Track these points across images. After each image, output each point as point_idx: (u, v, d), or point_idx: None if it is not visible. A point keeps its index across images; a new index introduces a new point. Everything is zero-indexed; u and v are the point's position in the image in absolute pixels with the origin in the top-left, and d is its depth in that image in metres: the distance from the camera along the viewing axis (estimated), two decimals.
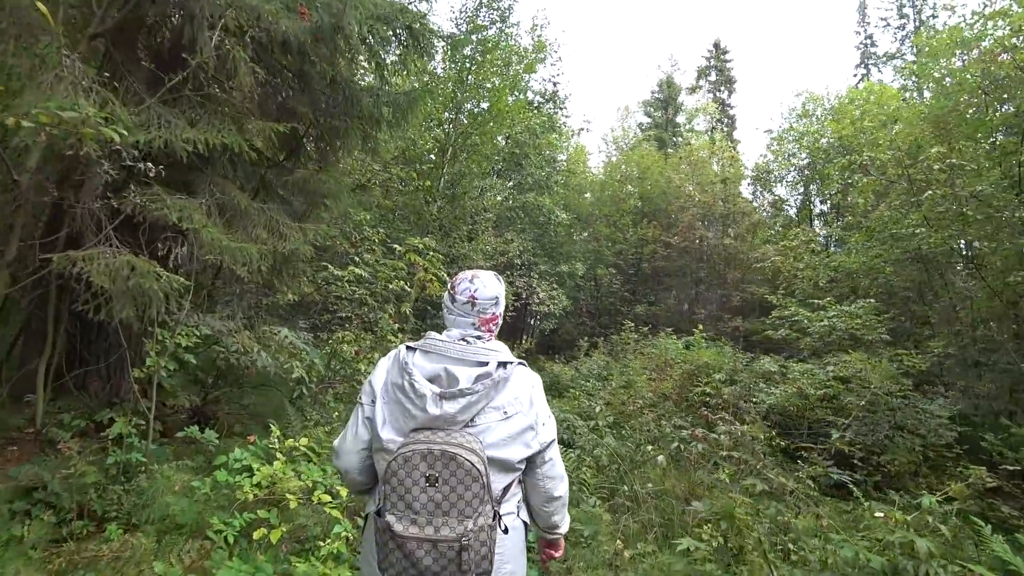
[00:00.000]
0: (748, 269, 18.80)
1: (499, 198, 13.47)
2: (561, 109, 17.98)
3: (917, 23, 25.42)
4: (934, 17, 23.63)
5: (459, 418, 1.41)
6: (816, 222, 19.85)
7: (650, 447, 4.81)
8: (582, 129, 18.77)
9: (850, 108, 18.17)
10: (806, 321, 9.45)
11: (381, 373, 1.56)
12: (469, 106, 12.32)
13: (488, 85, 12.14)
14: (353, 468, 1.57)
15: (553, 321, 17.45)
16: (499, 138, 13.67)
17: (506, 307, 1.82)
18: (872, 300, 9.46)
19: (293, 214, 5.52)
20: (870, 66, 28.41)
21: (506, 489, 1.51)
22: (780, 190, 21.55)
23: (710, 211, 19.12)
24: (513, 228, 16.49)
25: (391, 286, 5.78)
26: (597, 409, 6.02)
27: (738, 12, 57.77)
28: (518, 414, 1.49)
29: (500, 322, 1.73)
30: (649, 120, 32.32)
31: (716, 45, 34.52)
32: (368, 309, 5.72)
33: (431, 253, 5.93)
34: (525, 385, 1.55)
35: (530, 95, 17.83)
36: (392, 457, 1.36)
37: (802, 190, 19.55)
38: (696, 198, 18.82)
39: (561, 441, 5.73)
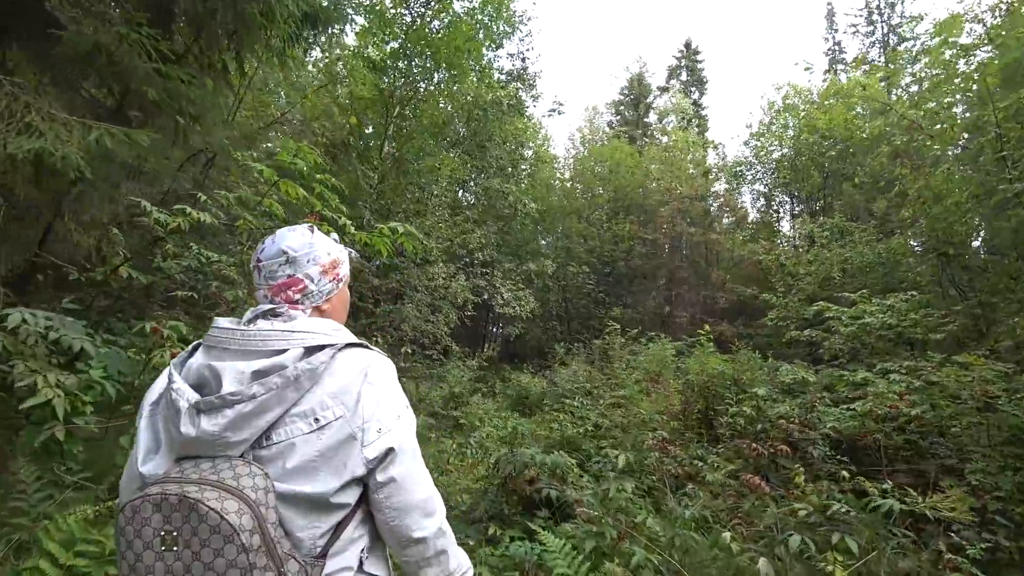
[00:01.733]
0: (734, 267, 17.17)
1: (453, 175, 11.22)
2: (531, 88, 15.98)
3: (886, 30, 25.32)
4: (901, 25, 23.52)
5: (232, 438, 0.94)
6: (793, 220, 18.54)
7: (727, 534, 2.64)
8: (553, 111, 16.64)
9: (838, 103, 16.98)
10: (844, 319, 7.56)
11: (161, 381, 1.09)
12: (419, 61, 10.14)
13: (440, 28, 9.88)
14: None
15: (519, 326, 15.32)
16: (453, 108, 11.55)
17: (336, 273, 1.24)
18: (915, 293, 7.70)
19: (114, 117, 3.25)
20: (839, 71, 28.04)
21: (333, 536, 1.03)
22: (755, 188, 20.21)
23: (691, 205, 17.42)
24: (474, 218, 14.33)
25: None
26: (618, 459, 3.80)
27: (706, 19, 57.48)
28: (338, 420, 1.01)
29: (316, 289, 1.19)
30: (618, 119, 30.93)
31: (687, 45, 33.66)
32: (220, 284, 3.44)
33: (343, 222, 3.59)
34: (353, 376, 1.05)
35: (495, 74, 15.82)
36: (120, 507, 0.92)
37: (786, 184, 18.01)
38: (678, 190, 17.06)
39: (551, 504, 3.76)
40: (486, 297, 14.23)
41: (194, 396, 0.97)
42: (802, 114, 18.23)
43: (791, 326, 11.74)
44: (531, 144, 18.67)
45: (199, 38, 4.06)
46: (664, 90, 32.79)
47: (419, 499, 1.11)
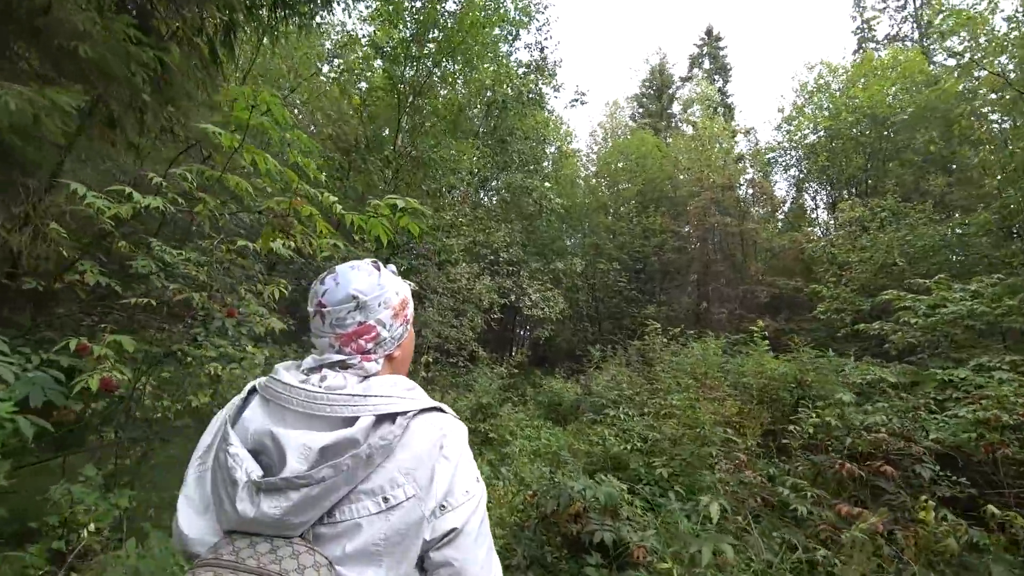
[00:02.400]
0: (772, 258, 16.17)
1: (472, 168, 10.50)
2: (551, 77, 15.20)
3: (919, 3, 23.86)
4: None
5: (294, 520, 0.83)
6: (833, 206, 17.36)
7: None
8: (576, 101, 15.81)
9: (876, 79, 15.90)
10: (923, 308, 6.65)
11: (214, 426, 0.99)
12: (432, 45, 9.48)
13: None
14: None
15: (548, 328, 14.60)
16: (469, 92, 10.89)
17: (404, 314, 1.13)
18: (1001, 276, 6.78)
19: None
20: (868, 50, 26.70)
21: None
22: (790, 175, 19.08)
23: (723, 195, 16.46)
24: (496, 214, 13.68)
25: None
26: (710, 507, 2.99)
27: (726, 4, 55.73)
28: (410, 500, 0.89)
29: (388, 336, 1.07)
30: (641, 111, 30.00)
31: (708, 32, 32.55)
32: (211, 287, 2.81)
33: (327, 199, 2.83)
34: (426, 448, 0.93)
35: (514, 67, 15.14)
36: None
37: (824, 168, 16.86)
38: (710, 179, 16.12)
39: (604, 548, 2.96)
40: (513, 299, 13.58)
41: (255, 469, 0.86)
42: (837, 92, 17.20)
43: (846, 319, 10.81)
44: (553, 140, 17.95)
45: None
46: (687, 80, 31.73)
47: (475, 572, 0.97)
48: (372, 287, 1.07)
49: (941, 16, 10.80)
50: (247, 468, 0.86)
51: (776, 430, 5.71)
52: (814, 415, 4.81)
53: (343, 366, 1.01)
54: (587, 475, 4.87)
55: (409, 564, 0.90)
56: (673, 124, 28.99)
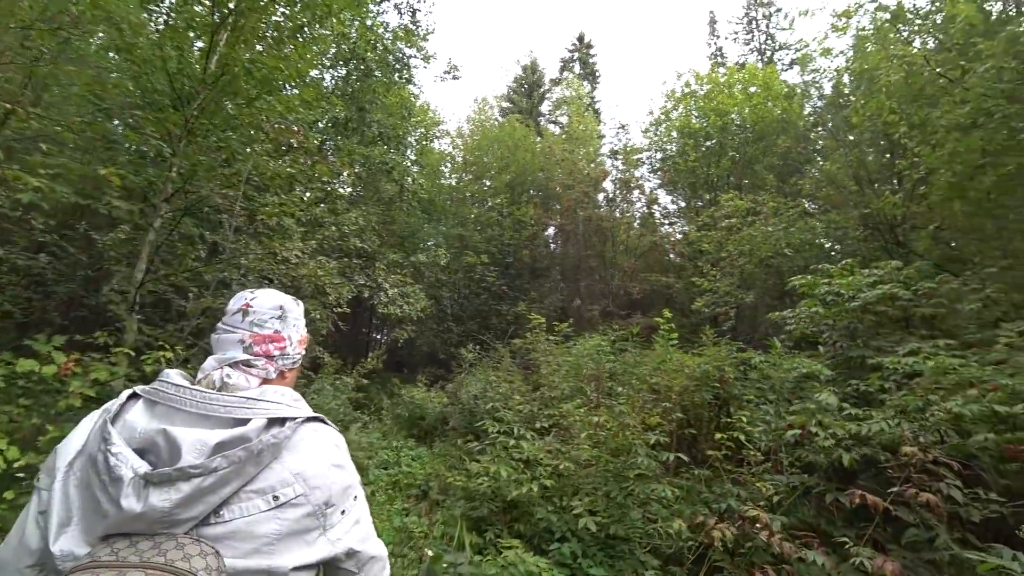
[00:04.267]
0: (643, 255, 15.75)
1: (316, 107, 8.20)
2: (423, 44, 13.29)
3: (764, 37, 26.38)
4: (780, 29, 25.10)
5: (181, 515, 0.85)
6: (701, 205, 17.66)
7: None
8: (448, 73, 14.01)
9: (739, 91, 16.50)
10: (846, 293, 5.87)
11: (78, 436, 0.96)
12: None
13: None
14: None
15: (408, 328, 12.69)
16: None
17: (303, 348, 1.24)
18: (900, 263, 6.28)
19: None
20: (731, 66, 28.84)
21: None
22: (659, 174, 19.17)
23: (597, 188, 15.78)
24: (352, 196, 11.51)
25: None
26: None
27: (596, 18, 57.52)
28: (299, 498, 0.95)
29: (292, 355, 1.19)
30: (511, 105, 29.15)
31: (580, 38, 33.04)
32: None
33: None
34: (313, 452, 1.01)
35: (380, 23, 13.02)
36: None
37: (691, 168, 16.93)
38: (585, 171, 15.31)
39: None
40: (367, 295, 11.50)
41: (141, 465, 0.86)
42: (705, 98, 17.50)
43: (730, 312, 10.36)
44: (418, 124, 16.03)
45: None
46: (557, 82, 31.72)
47: (376, 556, 1.10)
48: (294, 310, 1.22)
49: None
50: (133, 465, 0.85)
51: (697, 441, 4.46)
52: (786, 420, 3.55)
53: (248, 365, 1.09)
54: (472, 532, 3.21)
55: (296, 560, 0.92)
56: (542, 125, 28.60)
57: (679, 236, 15.26)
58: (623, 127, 17.58)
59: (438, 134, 17.35)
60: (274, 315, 1.16)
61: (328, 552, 0.97)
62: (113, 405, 0.96)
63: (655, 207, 17.69)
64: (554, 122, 28.95)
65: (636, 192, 16.53)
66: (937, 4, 8.26)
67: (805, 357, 5.44)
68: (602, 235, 15.66)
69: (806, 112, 16.16)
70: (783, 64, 22.03)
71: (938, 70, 6.98)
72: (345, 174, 10.35)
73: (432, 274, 13.54)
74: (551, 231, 18.27)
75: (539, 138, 19.34)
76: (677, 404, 4.65)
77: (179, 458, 0.86)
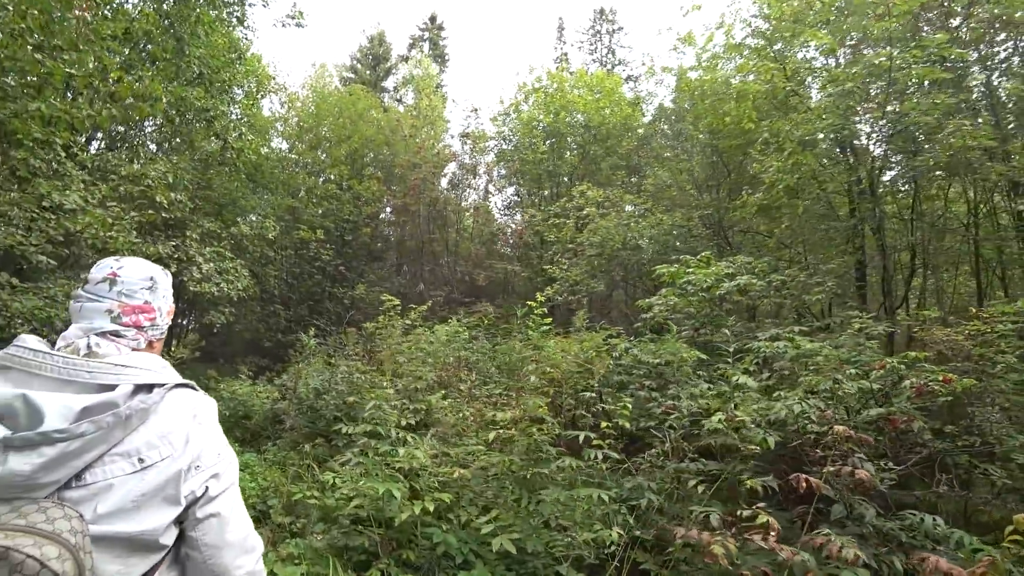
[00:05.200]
0: (487, 241, 15.51)
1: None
2: None
3: (606, 49, 28.24)
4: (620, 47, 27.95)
5: (43, 479, 0.84)
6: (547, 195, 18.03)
7: None
8: (293, 19, 12.08)
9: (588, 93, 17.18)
10: (709, 281, 6.00)
11: None
12: None
13: None
14: None
15: (227, 311, 10.87)
16: None
17: (169, 318, 1.23)
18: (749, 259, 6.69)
19: None
20: (581, 67, 30.34)
21: None
22: (510, 162, 19.21)
23: (445, 169, 15.13)
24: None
25: None
26: None
27: (449, 3, 55.93)
28: (165, 460, 0.94)
29: (161, 325, 1.17)
30: (354, 76, 27.05)
31: (432, 18, 32.11)
32: None
33: None
34: (182, 417, 1.01)
35: None
36: None
37: (542, 160, 17.14)
38: (434, 149, 14.54)
39: None
40: (174, 270, 9.52)
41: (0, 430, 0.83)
42: (556, 96, 17.84)
43: (583, 300, 10.42)
44: (248, 77, 13.77)
45: None
46: (405, 59, 30.31)
47: (237, 537, 1.06)
48: (164, 281, 1.20)
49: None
50: None
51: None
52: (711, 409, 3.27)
53: (116, 336, 1.06)
54: (350, 571, 2.44)
55: (165, 519, 0.93)
56: (386, 101, 27.05)
57: (522, 225, 15.24)
58: (475, 110, 16.95)
59: (272, 88, 15.17)
60: (144, 286, 1.14)
61: (185, 501, 0.96)
62: None
63: (498, 195, 17.61)
64: (399, 100, 27.65)
65: (483, 178, 16.20)
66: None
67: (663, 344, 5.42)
68: (443, 220, 15.07)
69: (647, 120, 17.37)
70: (622, 76, 23.82)
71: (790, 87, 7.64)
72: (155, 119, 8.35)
73: (257, 249, 11.75)
74: (388, 212, 17.16)
75: (385, 111, 18.07)
76: (566, 393, 4.25)
77: (41, 423, 0.85)
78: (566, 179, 16.92)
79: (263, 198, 13.65)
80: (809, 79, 9.24)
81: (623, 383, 5.29)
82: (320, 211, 13.74)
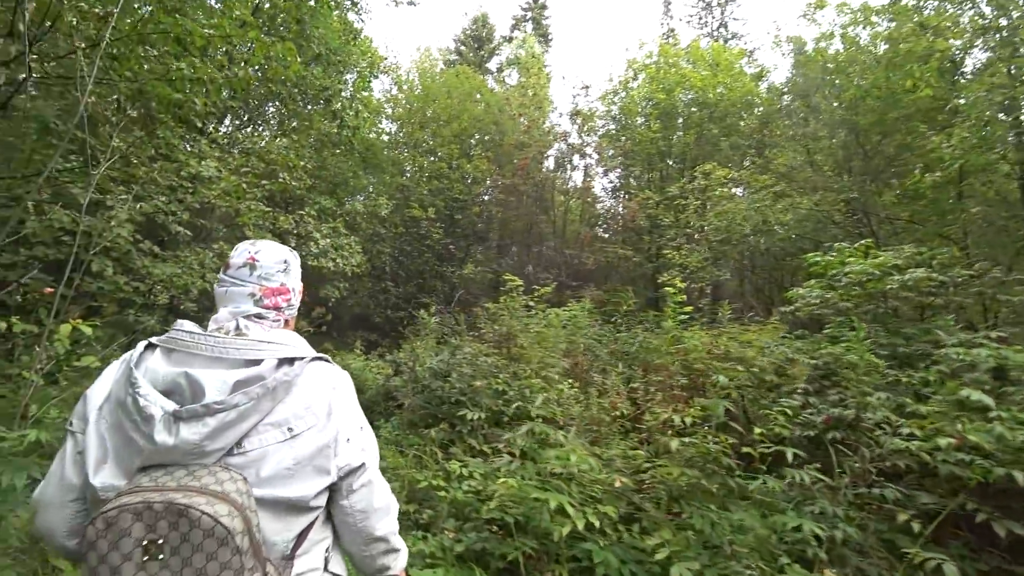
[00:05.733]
0: (597, 223, 14.85)
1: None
2: None
3: (717, 23, 26.06)
4: (733, 20, 25.45)
5: (209, 447, 0.93)
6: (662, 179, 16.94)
7: None
8: None
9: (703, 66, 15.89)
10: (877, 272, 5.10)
11: (103, 384, 1.05)
12: None
13: None
14: (60, 530, 1.03)
15: (341, 286, 11.09)
16: None
17: (300, 297, 1.31)
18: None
19: None
20: (694, 41, 28.37)
21: (301, 537, 1.05)
22: (619, 144, 18.27)
23: (555, 148, 14.59)
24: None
25: None
26: None
27: None
28: (311, 429, 1.03)
29: (295, 304, 1.27)
30: (458, 58, 27.14)
31: None
32: None
33: None
34: (322, 388, 1.09)
35: None
36: (91, 520, 0.85)
37: (653, 140, 16.09)
38: (543, 127, 14.04)
39: None
40: (293, 245, 9.77)
41: (169, 404, 0.94)
42: (670, 72, 16.73)
43: (706, 289, 9.62)
44: (358, 61, 13.99)
45: None
46: (508, 40, 30.00)
47: (382, 503, 1.17)
48: (294, 263, 1.28)
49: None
50: (161, 404, 0.93)
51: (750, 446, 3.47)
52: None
53: (259, 317, 1.16)
54: None
55: (317, 486, 1.02)
56: (489, 83, 26.92)
57: (633, 208, 14.41)
58: (586, 87, 16.25)
59: (384, 69, 15.33)
60: (279, 268, 1.21)
61: (337, 474, 1.06)
62: (132, 355, 1.03)
63: (604, 177, 16.80)
64: (501, 82, 27.43)
65: (590, 158, 15.49)
66: None
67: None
68: (549, 201, 14.55)
69: (770, 95, 15.84)
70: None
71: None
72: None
73: (370, 226, 11.89)
74: (490, 191, 16.90)
75: (494, 88, 17.79)
76: (750, 397, 3.65)
77: (203, 396, 0.95)
78: (674, 162, 15.85)
79: (374, 177, 13.86)
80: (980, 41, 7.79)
81: (773, 385, 4.57)
82: (428, 190, 13.70)
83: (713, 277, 9.52)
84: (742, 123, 14.98)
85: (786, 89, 15.53)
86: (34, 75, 3.33)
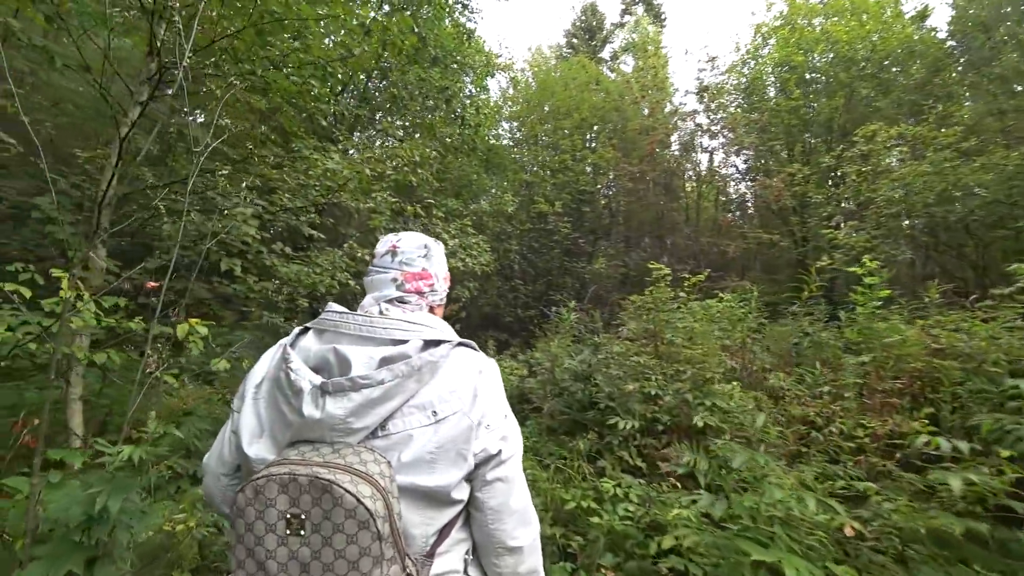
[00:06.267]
0: (733, 208, 13.51)
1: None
2: None
3: None
4: None
5: (355, 424, 0.93)
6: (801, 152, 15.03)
7: None
8: None
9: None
10: None
11: (262, 366, 1.12)
12: None
13: None
14: (219, 497, 1.11)
15: (471, 286, 11.04)
16: None
17: (447, 285, 1.30)
18: None
19: None
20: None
21: (442, 535, 1.00)
22: (751, 117, 16.53)
23: (673, 129, 13.48)
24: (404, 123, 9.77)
25: None
26: None
27: None
28: (455, 414, 0.99)
29: (439, 290, 1.26)
30: (571, 52, 26.61)
31: None
32: None
33: None
34: (468, 372, 1.05)
35: None
36: (241, 487, 0.86)
37: (794, 110, 14.31)
38: (667, 107, 13.05)
39: None
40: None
41: (317, 378, 0.95)
42: (809, 29, 14.82)
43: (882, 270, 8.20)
44: (473, 62, 13.98)
45: None
46: (620, 26, 28.95)
47: (520, 506, 1.08)
48: (436, 248, 1.28)
49: None
50: (310, 378, 0.94)
51: None
52: None
53: (401, 301, 1.17)
54: None
55: (458, 474, 0.97)
56: (603, 72, 26.08)
57: (778, 186, 12.89)
58: (712, 60, 14.81)
59: (500, 66, 15.20)
60: (420, 254, 1.22)
61: (474, 460, 0.99)
62: (288, 339, 1.08)
63: (738, 156, 15.25)
64: (616, 70, 26.42)
65: (722, 137, 14.12)
66: None
67: None
68: (675, 189, 13.44)
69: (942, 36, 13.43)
70: None
71: None
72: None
73: (497, 224, 11.74)
74: (612, 180, 16.07)
75: (612, 75, 17.03)
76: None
77: (349, 371, 0.96)
78: (817, 132, 13.96)
79: (499, 178, 13.75)
80: None
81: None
82: (553, 183, 13.29)
83: (888, 257, 8.04)
84: (903, 77, 12.84)
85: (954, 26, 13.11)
86: (168, 89, 3.35)
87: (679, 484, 3.17)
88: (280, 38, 3.76)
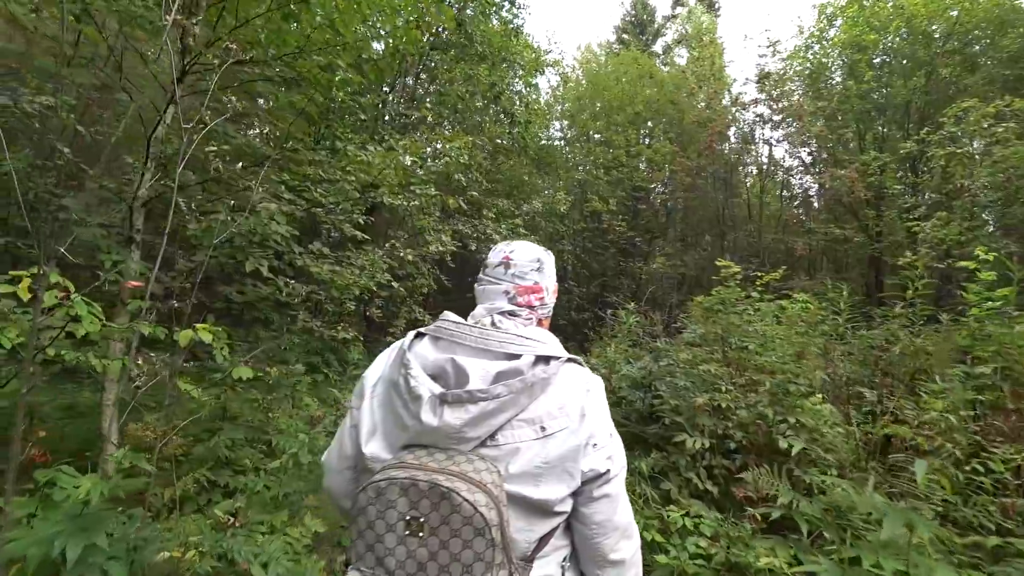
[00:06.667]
0: (798, 204, 12.68)
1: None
2: None
3: None
4: None
5: (469, 434, 0.96)
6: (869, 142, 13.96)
7: None
8: None
9: None
10: None
11: (378, 366, 1.16)
12: None
13: None
14: (339, 492, 1.16)
15: None
16: None
17: (555, 297, 1.31)
18: None
19: None
20: None
21: (543, 541, 1.02)
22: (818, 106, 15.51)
23: (732, 121, 12.76)
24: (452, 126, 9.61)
25: None
26: None
27: None
28: (563, 431, 1.01)
29: (548, 303, 1.27)
30: (621, 47, 25.97)
31: None
32: None
33: None
34: (576, 390, 1.06)
35: None
36: (363, 486, 0.93)
37: (864, 96, 13.30)
38: (724, 98, 12.38)
39: None
40: (474, 248, 9.71)
41: (436, 387, 0.98)
42: (880, 4, 13.78)
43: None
44: (521, 60, 13.68)
45: None
46: (672, 18, 28.08)
47: (623, 521, 1.10)
48: (548, 261, 1.27)
49: None
50: (429, 387, 0.97)
51: None
52: None
53: (512, 314, 1.17)
54: None
55: (564, 490, 0.99)
56: (656, 66, 25.31)
57: (852, 177, 11.99)
58: (773, 45, 13.95)
59: (550, 62, 14.86)
60: (533, 267, 1.22)
61: (581, 478, 1.00)
62: (405, 341, 1.10)
63: (810, 146, 14.29)
64: (670, 63, 25.59)
65: (793, 126, 13.29)
66: None
67: None
68: (735, 184, 12.72)
69: None
70: None
71: None
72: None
73: (550, 224, 11.41)
74: (670, 181, 15.43)
75: (666, 68, 16.41)
76: None
77: (467, 383, 0.98)
78: (892, 118, 12.90)
79: (551, 179, 13.42)
80: None
81: None
82: (607, 180, 12.83)
83: (1008, 250, 7.20)
84: (992, 50, 11.71)
85: None
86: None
87: (759, 516, 2.77)
88: (309, 20, 3.59)
